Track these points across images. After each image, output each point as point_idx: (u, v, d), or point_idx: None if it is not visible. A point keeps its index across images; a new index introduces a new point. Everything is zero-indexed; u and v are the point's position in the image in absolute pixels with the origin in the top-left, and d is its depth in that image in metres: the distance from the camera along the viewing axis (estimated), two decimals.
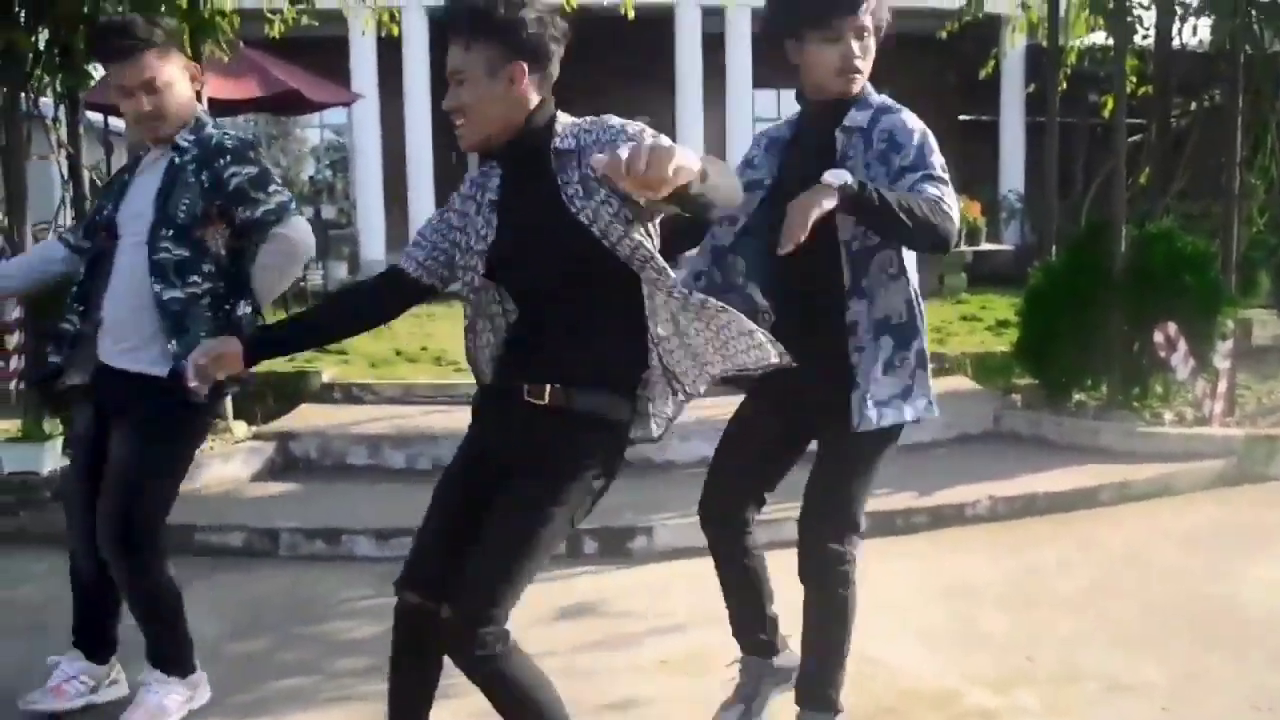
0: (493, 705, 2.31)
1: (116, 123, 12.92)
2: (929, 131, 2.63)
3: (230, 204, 2.94)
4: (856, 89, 2.65)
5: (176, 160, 2.96)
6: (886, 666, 3.39)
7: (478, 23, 2.25)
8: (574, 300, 2.29)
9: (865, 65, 2.64)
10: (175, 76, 2.95)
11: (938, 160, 2.57)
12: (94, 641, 3.18)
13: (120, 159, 14.43)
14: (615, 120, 2.28)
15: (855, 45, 2.60)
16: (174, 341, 2.87)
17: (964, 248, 12.63)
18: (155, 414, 2.91)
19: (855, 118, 2.64)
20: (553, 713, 2.31)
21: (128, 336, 2.93)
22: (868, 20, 2.61)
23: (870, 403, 2.63)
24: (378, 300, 2.57)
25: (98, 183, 6.76)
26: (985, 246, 13.63)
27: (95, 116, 10.52)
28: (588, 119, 2.33)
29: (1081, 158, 11.41)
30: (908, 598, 3.98)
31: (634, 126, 2.23)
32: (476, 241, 2.37)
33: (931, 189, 2.48)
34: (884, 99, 2.69)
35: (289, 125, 17.90)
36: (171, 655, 3.08)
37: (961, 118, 15.00)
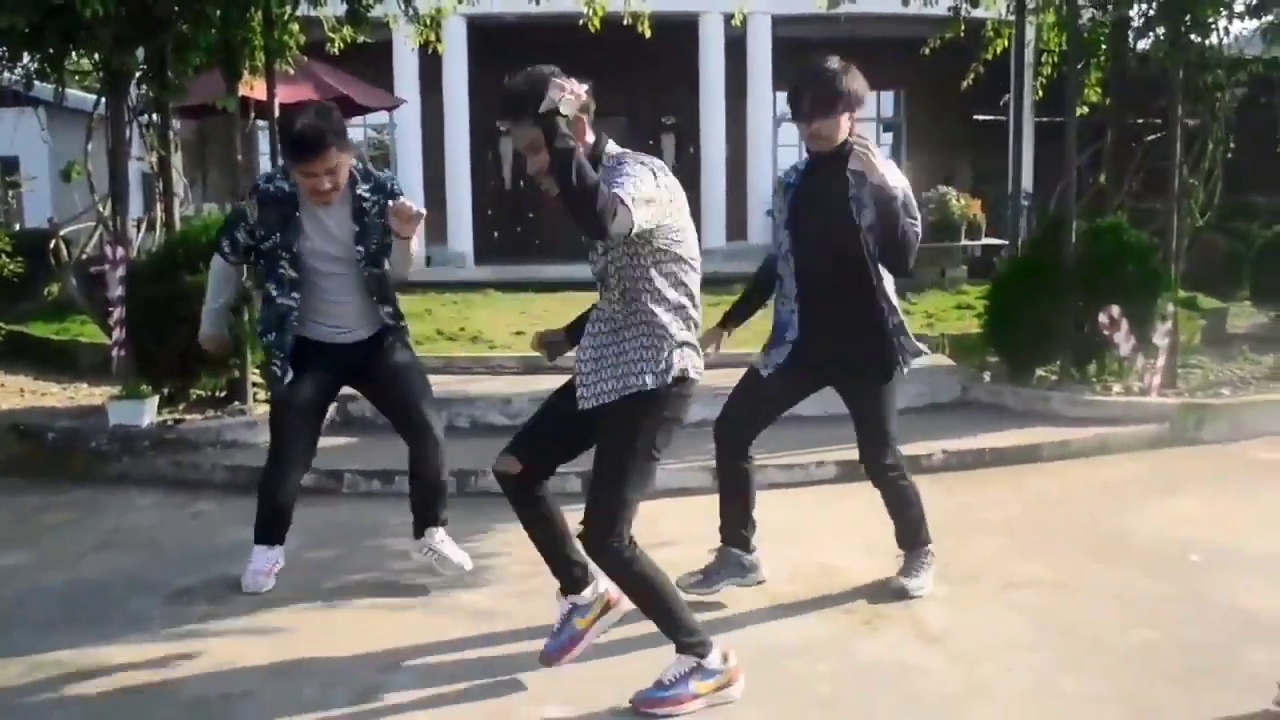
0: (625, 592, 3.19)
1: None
2: None
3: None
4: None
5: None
6: (837, 568, 4.28)
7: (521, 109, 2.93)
8: None
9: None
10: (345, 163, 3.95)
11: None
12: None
13: (178, 160, 15.26)
14: (629, 165, 2.99)
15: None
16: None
17: (966, 242, 13.36)
18: None
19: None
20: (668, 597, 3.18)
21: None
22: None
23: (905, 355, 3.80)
24: None
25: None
26: (990, 241, 14.27)
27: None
28: (617, 154, 3.07)
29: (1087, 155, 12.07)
30: (864, 523, 4.68)
31: (633, 171, 2.94)
32: None
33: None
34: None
35: None
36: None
37: (976, 118, 15.61)
